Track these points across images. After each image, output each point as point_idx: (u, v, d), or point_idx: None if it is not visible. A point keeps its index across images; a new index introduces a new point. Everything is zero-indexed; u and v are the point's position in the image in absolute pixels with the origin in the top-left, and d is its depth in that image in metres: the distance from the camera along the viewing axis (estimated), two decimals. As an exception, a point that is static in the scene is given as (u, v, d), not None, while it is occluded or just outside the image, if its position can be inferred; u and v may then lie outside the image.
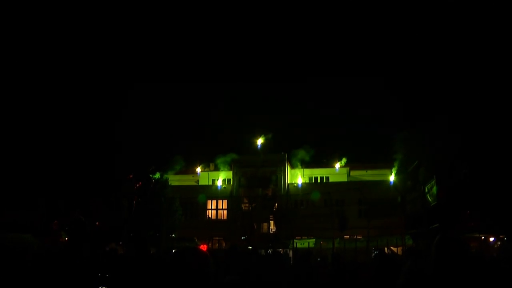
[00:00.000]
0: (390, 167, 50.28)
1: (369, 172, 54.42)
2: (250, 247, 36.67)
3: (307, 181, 55.76)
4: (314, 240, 43.49)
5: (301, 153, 54.35)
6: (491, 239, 26.50)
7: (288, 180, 54.43)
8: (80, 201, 42.47)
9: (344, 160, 55.81)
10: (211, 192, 54.60)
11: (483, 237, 26.57)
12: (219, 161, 55.89)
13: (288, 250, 40.73)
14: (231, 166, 55.08)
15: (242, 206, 52.84)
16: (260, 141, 56.92)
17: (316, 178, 57.01)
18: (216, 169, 57.61)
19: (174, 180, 51.45)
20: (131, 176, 47.07)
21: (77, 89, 78.44)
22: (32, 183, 41.96)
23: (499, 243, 25.82)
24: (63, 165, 46.07)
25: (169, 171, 54.31)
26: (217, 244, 49.60)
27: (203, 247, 38.09)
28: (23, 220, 38.88)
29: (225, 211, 54.06)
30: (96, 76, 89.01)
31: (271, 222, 52.61)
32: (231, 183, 55.08)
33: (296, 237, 43.89)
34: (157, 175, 47.52)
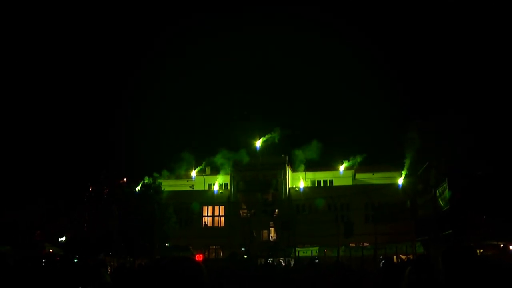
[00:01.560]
0: (398, 170, 50.04)
1: (376, 175, 54.11)
2: (245, 256, 36.46)
3: (309, 185, 55.48)
4: (317, 248, 43.20)
5: (311, 149, 53.63)
6: (511, 247, 26.12)
7: (289, 184, 54.15)
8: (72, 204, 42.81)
9: (359, 157, 54.85)
10: (207, 197, 54.30)
11: (502, 245, 26.21)
12: (217, 157, 55.26)
13: (290, 259, 40.45)
14: (229, 169, 54.64)
15: (241, 212, 52.56)
16: (259, 143, 56.71)
17: (319, 182, 56.71)
18: (213, 172, 57.31)
19: (167, 185, 51.19)
20: (124, 180, 46.99)
21: (75, 96, 79.27)
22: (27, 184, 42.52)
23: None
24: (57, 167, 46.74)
25: (173, 172, 54.64)
26: (214, 254, 49.34)
27: (199, 257, 37.82)
28: (23, 220, 39.18)
29: (222, 218, 53.76)
30: (92, 79, 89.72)
31: (272, 229, 52.33)
32: (229, 187, 54.77)
33: (298, 245, 43.58)
34: (148, 180, 47.30)
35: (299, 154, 54.45)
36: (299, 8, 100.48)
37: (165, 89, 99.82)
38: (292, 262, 37.11)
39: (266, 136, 55.76)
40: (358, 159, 55.01)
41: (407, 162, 45.49)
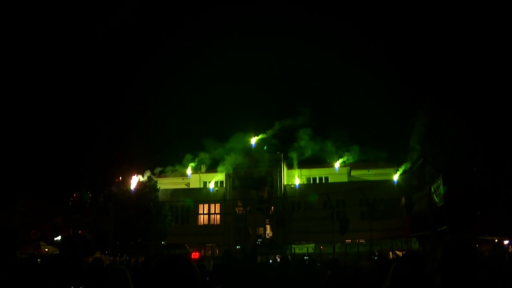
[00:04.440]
0: (393, 167, 50.09)
1: (371, 171, 54.23)
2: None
3: (304, 182, 55.52)
4: (313, 245, 43.20)
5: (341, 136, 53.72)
6: (505, 242, 26.20)
7: (285, 181, 54.15)
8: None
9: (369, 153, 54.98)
10: (202, 195, 54.24)
11: (496, 240, 26.28)
12: (213, 154, 55.43)
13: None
14: (224, 166, 54.59)
15: (236, 209, 52.50)
16: (254, 140, 56.74)
17: (314, 179, 56.77)
18: (208, 170, 57.29)
19: (163, 183, 51.09)
20: (120, 178, 46.89)
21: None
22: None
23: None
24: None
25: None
26: (210, 251, 49.26)
27: (195, 255, 37.74)
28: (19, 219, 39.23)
29: (218, 216, 53.72)
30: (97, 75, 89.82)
31: (267, 227, 52.32)
32: (224, 185, 54.72)
33: (294, 242, 43.59)
34: (144, 178, 47.25)
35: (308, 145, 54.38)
36: (298, 8, 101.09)
37: (166, 87, 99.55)
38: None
39: (289, 120, 56.29)
40: (355, 157, 55.15)
41: (414, 130, 44.35)
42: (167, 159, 57.64)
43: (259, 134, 57.25)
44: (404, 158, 46.78)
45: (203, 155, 55.53)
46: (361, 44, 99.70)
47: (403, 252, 36.02)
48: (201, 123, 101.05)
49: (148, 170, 53.25)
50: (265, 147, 56.13)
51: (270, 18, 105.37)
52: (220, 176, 55.56)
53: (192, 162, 56.95)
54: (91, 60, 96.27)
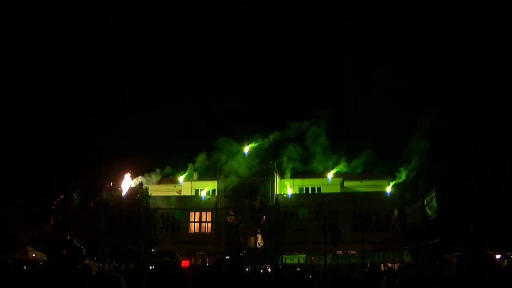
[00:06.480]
0: (386, 178, 50.14)
1: (364, 182, 54.21)
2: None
3: (297, 192, 55.45)
4: (304, 255, 43.11)
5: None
6: (498, 256, 26.19)
7: (277, 191, 54.05)
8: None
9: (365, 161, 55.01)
10: (194, 203, 54.00)
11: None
12: (205, 162, 55.33)
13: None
14: (216, 174, 54.44)
15: (228, 218, 52.32)
16: (247, 149, 56.70)
17: (307, 189, 56.70)
18: (200, 178, 57.10)
19: (154, 190, 50.84)
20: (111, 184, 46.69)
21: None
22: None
23: (506, 261, 25.48)
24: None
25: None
26: (200, 260, 49.04)
27: (185, 263, 37.57)
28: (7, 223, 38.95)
29: (209, 224, 53.49)
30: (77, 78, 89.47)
31: (259, 236, 52.16)
32: (216, 193, 54.56)
33: (286, 252, 43.45)
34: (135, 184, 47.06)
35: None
36: (298, 8, 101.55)
37: (166, 88, 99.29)
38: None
39: (307, 122, 56.36)
40: (345, 168, 55.23)
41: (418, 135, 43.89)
42: (175, 161, 57.53)
43: (270, 134, 57.58)
44: (408, 158, 46.39)
45: (217, 155, 55.28)
46: (361, 45, 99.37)
47: (393, 265, 36.06)
48: (202, 125, 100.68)
49: (158, 169, 53.30)
50: (269, 141, 56.22)
51: (270, 18, 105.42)
52: (212, 185, 55.40)
53: (202, 163, 56.72)
54: (91, 60, 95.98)
